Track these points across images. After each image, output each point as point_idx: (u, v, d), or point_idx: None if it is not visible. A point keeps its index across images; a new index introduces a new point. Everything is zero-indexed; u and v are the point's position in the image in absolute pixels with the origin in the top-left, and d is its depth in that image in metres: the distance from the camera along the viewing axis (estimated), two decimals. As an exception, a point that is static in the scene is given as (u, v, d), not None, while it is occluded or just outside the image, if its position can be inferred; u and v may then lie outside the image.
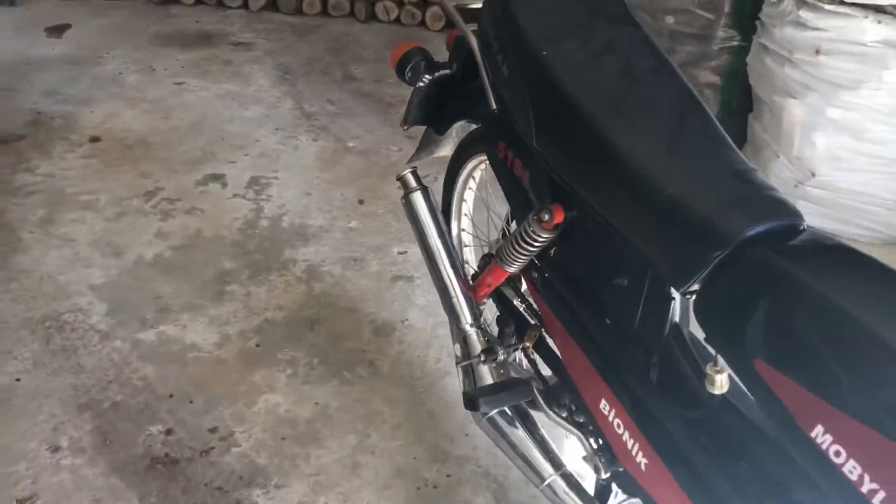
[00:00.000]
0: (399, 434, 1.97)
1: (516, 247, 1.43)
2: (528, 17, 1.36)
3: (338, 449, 1.92)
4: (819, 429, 0.93)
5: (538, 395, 1.44)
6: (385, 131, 3.31)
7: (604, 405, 1.34)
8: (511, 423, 1.52)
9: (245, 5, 4.40)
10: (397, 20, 4.32)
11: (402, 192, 1.65)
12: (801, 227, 1.09)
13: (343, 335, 2.25)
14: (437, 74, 1.65)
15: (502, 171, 1.52)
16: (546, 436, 1.54)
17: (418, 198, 1.62)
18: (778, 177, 2.65)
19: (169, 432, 1.93)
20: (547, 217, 1.35)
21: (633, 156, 1.17)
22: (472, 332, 1.58)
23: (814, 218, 2.67)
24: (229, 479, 1.83)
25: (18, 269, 2.42)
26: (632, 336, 1.27)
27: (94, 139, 3.12)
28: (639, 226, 1.18)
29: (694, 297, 1.10)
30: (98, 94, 3.42)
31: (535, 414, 1.53)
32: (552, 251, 1.48)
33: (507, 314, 1.60)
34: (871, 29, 2.30)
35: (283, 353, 2.18)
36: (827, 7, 2.37)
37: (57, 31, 3.99)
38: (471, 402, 1.40)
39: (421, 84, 1.67)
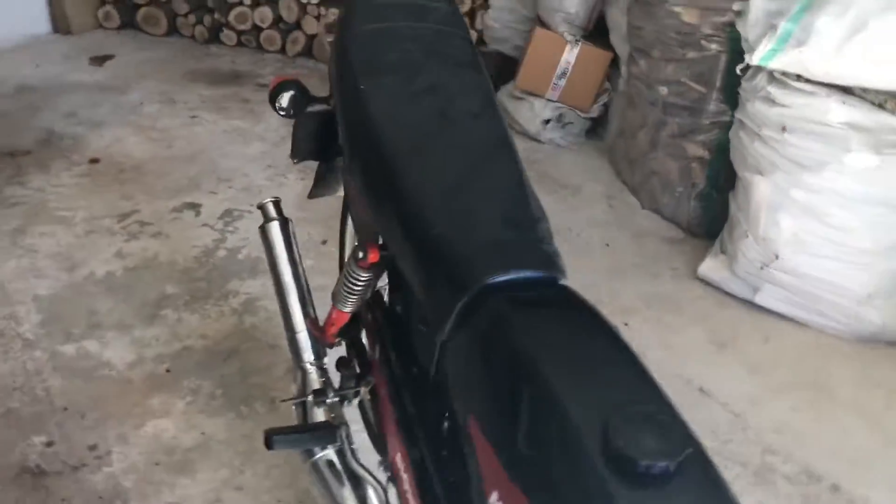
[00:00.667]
0: (273, 474, 1.92)
1: (343, 286, 1.39)
2: (357, 52, 1.35)
3: (207, 481, 1.89)
4: (494, 496, 0.86)
5: (345, 443, 1.38)
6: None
7: (399, 459, 1.28)
8: (335, 472, 1.46)
9: (283, 50, 4.55)
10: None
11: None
12: (557, 283, 1.03)
13: (255, 370, 2.23)
14: (312, 108, 1.64)
15: (350, 207, 1.49)
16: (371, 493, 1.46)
17: (274, 228, 1.60)
18: (746, 257, 2.52)
19: (49, 444, 1.95)
20: (361, 255, 1.31)
21: (415, 193, 1.13)
22: (309, 370, 1.54)
23: (779, 303, 2.52)
24: (88, 499, 1.82)
25: (-27, 274, 2.52)
26: (431, 386, 1.21)
27: (94, 160, 3.24)
28: (409, 265, 1.13)
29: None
30: (112, 120, 3.57)
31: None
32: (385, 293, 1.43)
33: (353, 357, 1.55)
34: (835, 109, 2.18)
35: (189, 381, 2.17)
36: (794, 84, 2.26)
37: (99, 60, 4.21)
38: (266, 439, 1.36)
39: (302, 118, 1.66)
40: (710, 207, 2.96)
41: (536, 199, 1.17)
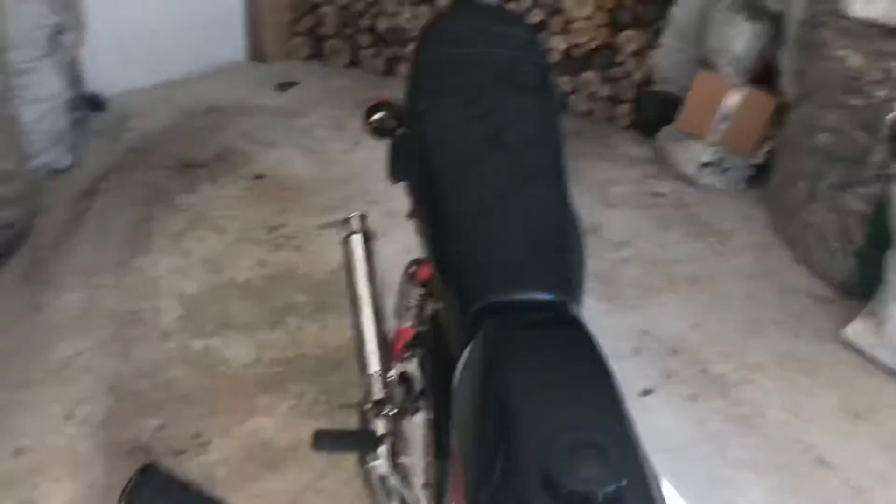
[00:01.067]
0: (355, 483, 1.96)
1: (399, 301, 1.43)
2: (425, 74, 1.39)
3: (291, 481, 1.97)
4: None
5: (388, 455, 1.40)
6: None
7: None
8: (383, 483, 1.48)
9: (453, 84, 4.69)
10: (589, 113, 4.34)
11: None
12: (565, 307, 1.02)
13: (358, 383, 2.30)
14: (402, 130, 1.69)
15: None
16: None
17: (356, 241, 1.66)
18: None
19: (161, 427, 2.12)
20: (412, 271, 1.34)
21: (447, 212, 1.16)
22: (374, 381, 1.58)
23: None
24: (183, 481, 1.95)
25: (135, 268, 2.79)
26: None
27: (258, 176, 3.50)
28: (436, 282, 1.15)
29: None
30: (283, 141, 3.84)
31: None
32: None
33: (419, 375, 1.58)
34: None
35: (297, 386, 2.28)
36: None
37: (284, 86, 4.54)
38: (313, 437, 1.41)
39: (394, 139, 1.72)
40: (867, 267, 2.71)
41: (573, 229, 1.16)
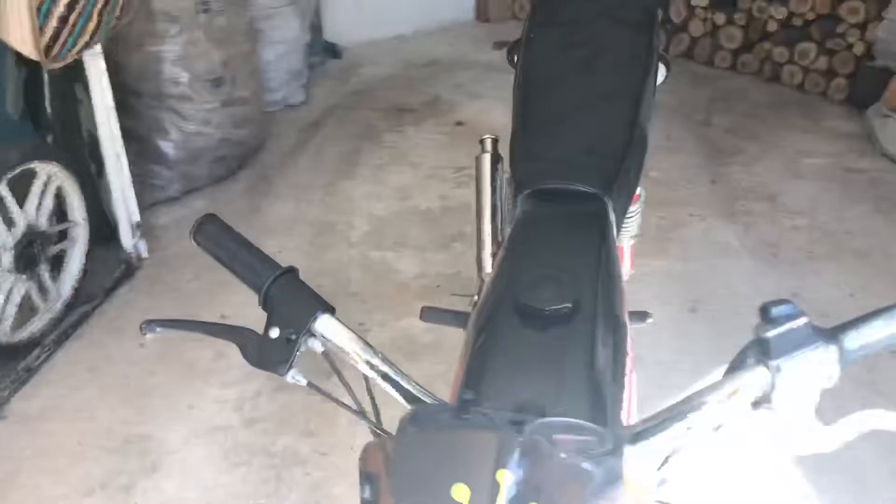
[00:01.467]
0: (478, 381, 2.25)
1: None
2: (541, 8, 1.60)
3: (426, 370, 2.29)
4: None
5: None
6: (676, 173, 3.41)
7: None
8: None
9: (665, 50, 4.74)
10: (800, 86, 4.23)
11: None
12: (600, 198, 1.23)
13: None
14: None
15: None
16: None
17: (485, 160, 1.91)
18: None
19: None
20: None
21: (529, 115, 1.41)
22: (485, 280, 1.84)
23: None
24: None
25: (338, 189, 3.24)
26: None
27: (458, 123, 3.84)
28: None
29: None
30: (487, 93, 4.14)
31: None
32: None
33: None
34: None
35: (450, 297, 2.59)
36: None
37: (500, 45, 4.85)
38: (421, 310, 1.70)
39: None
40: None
41: (633, 145, 1.35)
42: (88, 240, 2.49)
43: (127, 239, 2.68)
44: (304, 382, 0.85)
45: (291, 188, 3.25)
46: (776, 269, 2.77)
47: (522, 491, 0.66)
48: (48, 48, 2.02)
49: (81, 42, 2.13)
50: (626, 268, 1.88)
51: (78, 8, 2.04)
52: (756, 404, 0.72)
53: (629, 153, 1.34)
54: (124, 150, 2.60)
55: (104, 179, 2.60)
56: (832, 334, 0.71)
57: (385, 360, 0.85)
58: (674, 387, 2.17)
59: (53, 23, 2.00)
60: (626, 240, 1.76)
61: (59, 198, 2.39)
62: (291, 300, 0.87)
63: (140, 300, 2.56)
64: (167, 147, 3.02)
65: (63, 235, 2.43)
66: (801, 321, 0.70)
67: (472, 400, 0.74)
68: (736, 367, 0.73)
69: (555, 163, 1.31)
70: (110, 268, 2.65)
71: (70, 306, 2.45)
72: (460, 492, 0.67)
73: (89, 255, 2.51)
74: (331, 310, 0.87)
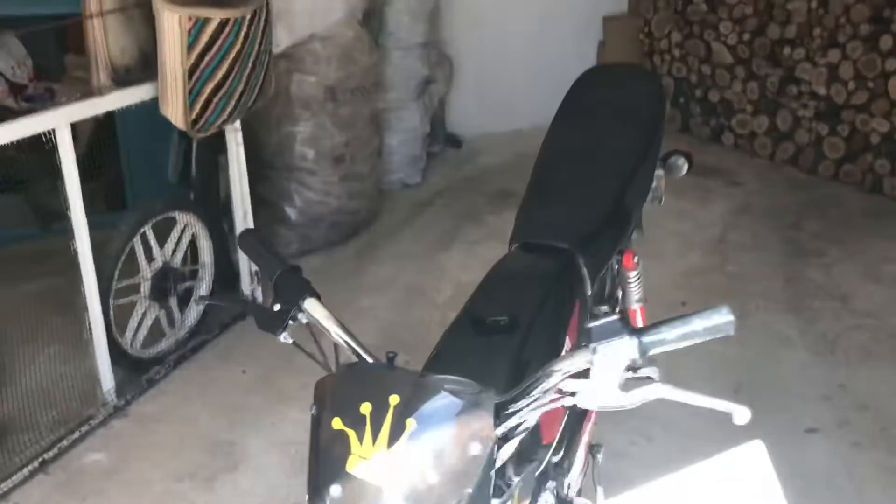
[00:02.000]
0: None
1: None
2: (567, 106, 1.96)
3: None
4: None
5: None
6: (752, 268, 3.57)
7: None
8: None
9: (771, 157, 4.92)
10: (903, 197, 4.29)
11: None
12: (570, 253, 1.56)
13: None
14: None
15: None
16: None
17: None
18: None
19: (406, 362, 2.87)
20: None
21: (535, 185, 1.76)
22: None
23: None
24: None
25: (434, 259, 3.64)
26: None
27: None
28: None
29: None
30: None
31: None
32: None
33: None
34: None
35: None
36: None
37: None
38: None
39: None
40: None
41: (613, 216, 1.67)
42: (213, 282, 3.00)
43: (246, 285, 3.18)
44: (290, 341, 1.22)
45: (393, 256, 3.68)
46: (828, 361, 2.90)
47: (404, 410, 1.00)
48: (195, 122, 2.56)
49: (221, 119, 2.67)
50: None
51: (221, 92, 2.57)
52: (578, 375, 1.03)
53: (607, 223, 1.66)
54: (251, 211, 3.12)
55: (233, 234, 3.12)
56: (635, 331, 1.00)
57: (347, 331, 1.19)
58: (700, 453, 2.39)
59: (201, 102, 2.54)
60: (634, 303, 2.03)
61: (193, 245, 2.91)
62: (291, 287, 1.24)
63: (248, 335, 3.02)
64: (291, 212, 3.54)
65: (194, 275, 2.95)
66: (614, 318, 1.01)
67: (394, 357, 1.09)
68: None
69: (541, 223, 1.65)
70: (229, 308, 3.14)
71: (191, 334, 2.94)
72: (366, 407, 1.02)
73: (213, 294, 3.01)
74: (317, 295, 1.23)
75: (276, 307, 1.23)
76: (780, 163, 4.86)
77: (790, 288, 3.42)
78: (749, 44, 4.93)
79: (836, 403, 2.67)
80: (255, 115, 3.19)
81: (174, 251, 2.82)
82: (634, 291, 1.99)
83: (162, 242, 2.76)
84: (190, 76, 2.46)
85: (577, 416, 1.70)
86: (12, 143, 2.27)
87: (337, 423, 1.03)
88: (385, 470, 1.00)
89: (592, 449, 1.89)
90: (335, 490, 1.02)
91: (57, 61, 3.57)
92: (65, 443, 2.43)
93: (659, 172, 2.29)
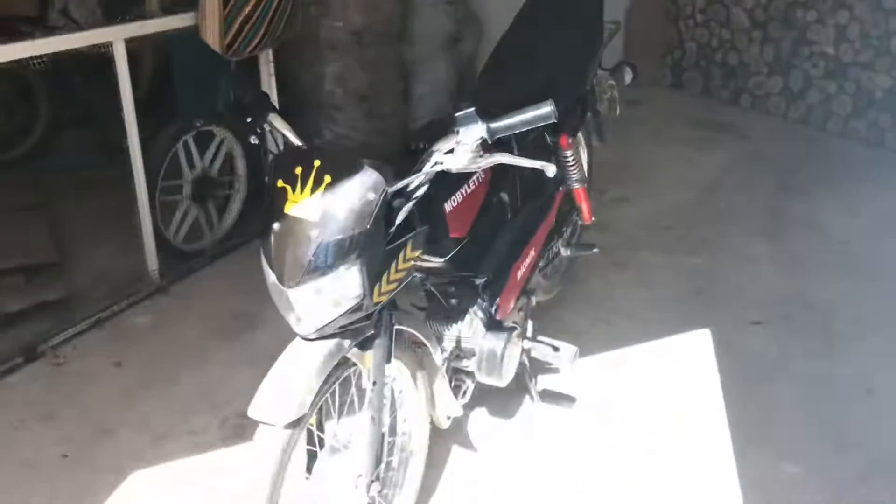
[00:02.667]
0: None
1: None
2: (519, 14, 2.36)
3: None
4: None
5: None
6: (746, 202, 3.85)
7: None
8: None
9: (785, 115, 5.16)
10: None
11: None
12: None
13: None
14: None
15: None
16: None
17: None
18: None
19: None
20: None
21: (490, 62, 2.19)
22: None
23: None
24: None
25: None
26: None
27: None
28: None
29: None
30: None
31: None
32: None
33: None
34: None
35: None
36: None
37: (633, 104, 5.48)
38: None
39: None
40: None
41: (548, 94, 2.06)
42: (248, 195, 3.46)
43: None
44: (257, 142, 1.66)
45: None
46: (790, 274, 3.20)
47: (324, 170, 1.42)
48: (229, 46, 3.03)
49: (252, 45, 3.13)
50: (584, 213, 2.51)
51: (252, 20, 3.04)
52: (449, 152, 1.44)
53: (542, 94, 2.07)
54: (283, 136, 3.57)
55: (267, 157, 3.58)
56: (485, 118, 1.41)
57: (294, 132, 1.62)
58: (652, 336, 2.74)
59: (234, 29, 3.00)
60: (575, 183, 2.40)
61: (230, 162, 3.38)
62: (262, 105, 1.67)
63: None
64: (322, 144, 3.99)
65: (230, 186, 3.41)
66: (471, 110, 1.42)
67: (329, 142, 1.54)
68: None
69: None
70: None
71: (227, 237, 3.42)
72: (298, 170, 1.44)
73: (247, 205, 3.47)
74: (276, 111, 1.66)
75: (248, 120, 1.67)
76: (793, 121, 5.10)
77: (772, 220, 3.71)
78: (765, 8, 5.19)
79: (787, 304, 2.97)
80: (291, 55, 3.65)
81: (212, 161, 3.29)
82: (573, 172, 2.36)
83: (202, 153, 3.24)
84: (225, 5, 2.92)
85: (509, 247, 2.09)
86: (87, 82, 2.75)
87: (280, 183, 1.46)
88: (309, 209, 1.42)
89: (528, 293, 2.27)
90: (276, 226, 1.45)
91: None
92: (115, 307, 2.92)
93: (611, 82, 2.68)
